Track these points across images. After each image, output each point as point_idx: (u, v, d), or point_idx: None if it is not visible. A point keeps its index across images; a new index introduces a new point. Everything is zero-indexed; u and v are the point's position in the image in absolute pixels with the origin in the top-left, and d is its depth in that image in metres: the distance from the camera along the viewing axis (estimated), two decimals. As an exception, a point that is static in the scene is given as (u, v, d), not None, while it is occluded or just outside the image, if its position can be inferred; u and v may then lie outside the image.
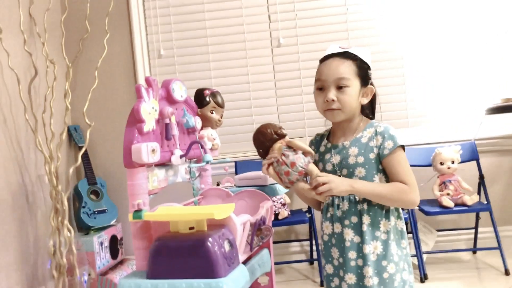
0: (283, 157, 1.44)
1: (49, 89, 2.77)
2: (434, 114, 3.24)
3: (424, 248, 2.87)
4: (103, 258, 2.81)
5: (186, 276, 1.31)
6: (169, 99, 1.66)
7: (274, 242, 3.19)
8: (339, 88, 1.43)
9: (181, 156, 1.63)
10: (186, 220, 1.39)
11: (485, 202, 2.86)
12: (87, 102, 2.84)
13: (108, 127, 3.28)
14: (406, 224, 2.63)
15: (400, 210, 1.48)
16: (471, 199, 2.76)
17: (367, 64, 1.48)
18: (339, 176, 1.45)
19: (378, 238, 1.42)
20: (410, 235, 2.79)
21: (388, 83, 3.22)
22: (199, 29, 3.33)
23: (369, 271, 1.39)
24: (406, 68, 3.25)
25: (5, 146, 2.53)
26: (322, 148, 1.54)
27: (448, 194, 2.81)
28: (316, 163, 1.54)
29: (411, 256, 1.53)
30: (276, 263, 2.88)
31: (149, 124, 1.49)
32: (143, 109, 1.46)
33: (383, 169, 1.44)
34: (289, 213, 2.95)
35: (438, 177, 2.92)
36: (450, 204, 2.75)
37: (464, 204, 2.77)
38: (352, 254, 1.42)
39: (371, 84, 1.50)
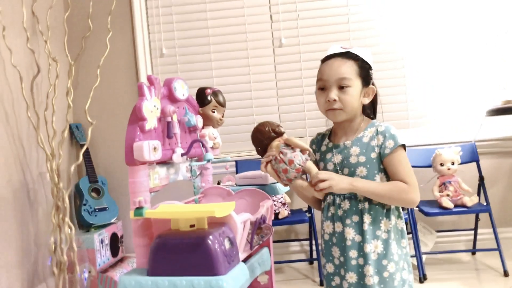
0: (281, 155, 1.44)
1: (51, 87, 2.78)
2: (435, 115, 3.24)
3: (423, 248, 2.88)
4: (103, 256, 2.82)
5: (186, 274, 1.32)
6: (171, 97, 1.67)
7: (274, 242, 3.20)
8: (341, 88, 1.44)
9: (182, 155, 1.63)
10: (187, 218, 1.40)
11: (485, 204, 2.87)
12: (89, 100, 2.86)
13: (109, 125, 3.29)
14: (406, 224, 2.64)
15: (401, 210, 1.49)
16: (470, 200, 2.77)
17: (369, 64, 1.49)
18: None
19: (379, 237, 1.42)
20: (410, 235, 2.79)
21: (389, 84, 3.23)
22: (201, 29, 3.34)
23: (370, 270, 1.40)
24: (407, 68, 3.25)
25: (7, 143, 2.54)
26: (323, 148, 1.54)
27: (448, 195, 2.81)
28: (317, 162, 1.55)
29: (411, 257, 1.53)
30: (276, 262, 2.89)
31: (151, 122, 1.50)
32: (145, 107, 1.47)
33: (384, 168, 1.45)
34: (289, 212, 2.95)
35: (438, 178, 2.92)
36: (450, 205, 2.75)
37: (463, 205, 2.77)
38: (353, 253, 1.43)
39: (373, 84, 1.50)
